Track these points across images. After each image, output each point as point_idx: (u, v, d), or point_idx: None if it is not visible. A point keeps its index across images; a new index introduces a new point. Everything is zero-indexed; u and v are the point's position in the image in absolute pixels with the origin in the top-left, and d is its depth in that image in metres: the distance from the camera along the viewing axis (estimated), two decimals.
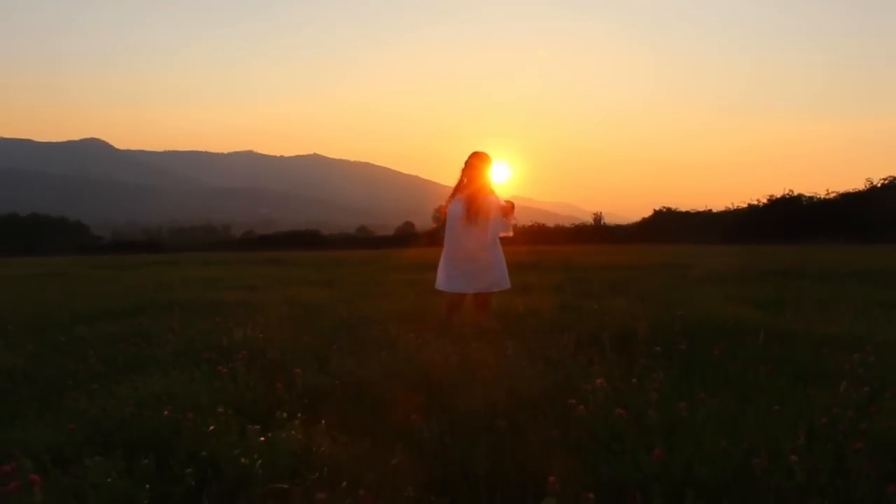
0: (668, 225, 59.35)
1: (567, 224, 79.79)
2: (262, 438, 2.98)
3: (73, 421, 3.52)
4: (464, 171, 6.00)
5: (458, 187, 5.96)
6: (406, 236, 64.49)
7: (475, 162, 5.94)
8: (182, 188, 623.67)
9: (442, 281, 5.95)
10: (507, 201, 5.84)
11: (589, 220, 74.92)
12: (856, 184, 64.54)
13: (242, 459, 2.81)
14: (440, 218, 6.27)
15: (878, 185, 54.58)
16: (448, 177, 6.23)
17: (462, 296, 5.90)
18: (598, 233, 62.76)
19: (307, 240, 65.79)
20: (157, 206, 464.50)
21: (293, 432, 3.04)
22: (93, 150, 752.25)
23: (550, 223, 78.55)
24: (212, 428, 3.18)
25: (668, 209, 66.47)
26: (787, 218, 52.37)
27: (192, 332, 6.56)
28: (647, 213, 68.61)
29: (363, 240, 71.04)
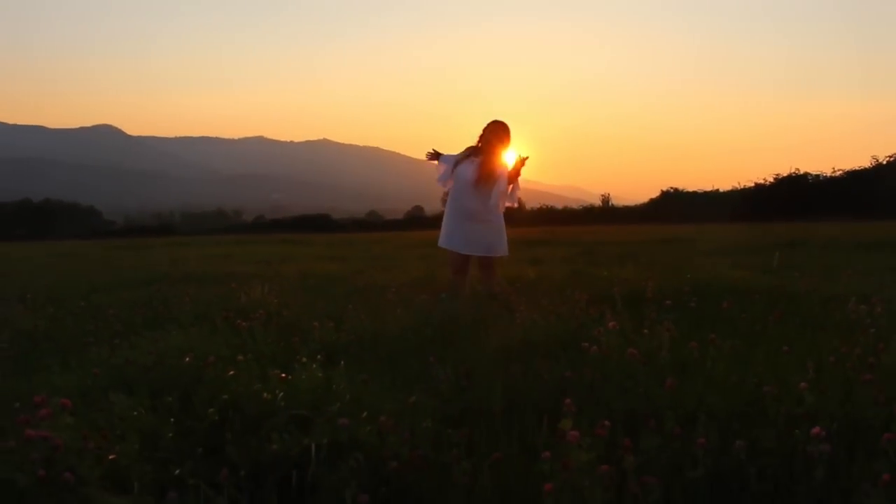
0: (675, 205, 58.94)
1: (575, 206, 79.33)
2: (283, 376, 3.04)
3: (97, 368, 3.59)
4: (481, 136, 5.83)
5: (473, 150, 5.88)
6: (416, 220, 64.30)
7: (495, 132, 5.75)
8: (193, 174, 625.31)
9: (442, 237, 5.95)
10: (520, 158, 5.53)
11: (597, 202, 74.51)
12: (861, 161, 63.85)
13: (265, 394, 2.87)
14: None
15: (884, 162, 54.14)
16: None
17: (465, 257, 5.88)
18: (606, 213, 62.40)
19: (318, 224, 65.68)
20: (169, 191, 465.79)
21: (314, 368, 3.11)
22: (105, 137, 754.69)
23: (559, 206, 78.19)
24: (232, 373, 3.23)
25: (676, 189, 66.03)
26: (793, 196, 52.05)
27: (208, 296, 6.63)
28: (655, 194, 68.12)
29: (373, 223, 70.86)
